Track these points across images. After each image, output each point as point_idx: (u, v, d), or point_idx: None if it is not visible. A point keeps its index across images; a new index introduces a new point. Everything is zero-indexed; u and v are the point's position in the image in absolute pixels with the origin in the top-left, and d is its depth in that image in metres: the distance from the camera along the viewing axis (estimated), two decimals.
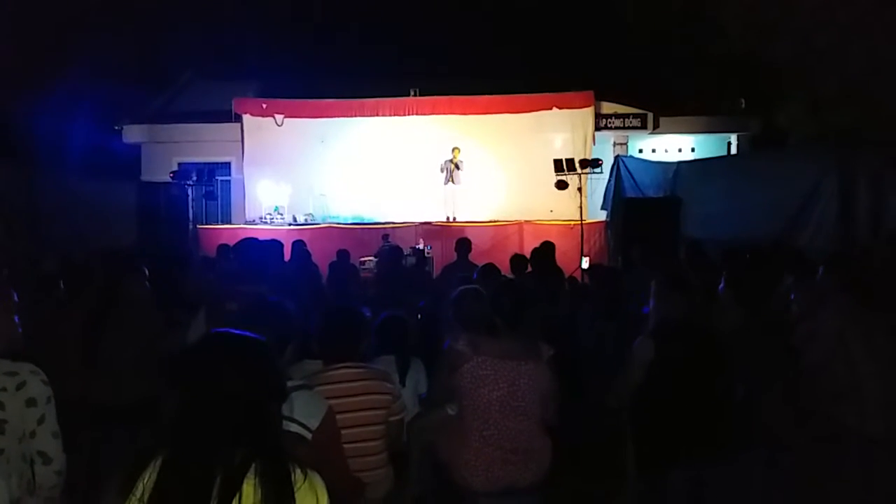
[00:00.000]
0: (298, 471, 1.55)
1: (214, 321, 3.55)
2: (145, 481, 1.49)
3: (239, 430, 1.53)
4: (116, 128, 16.11)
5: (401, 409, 2.92)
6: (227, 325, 2.34)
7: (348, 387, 2.73)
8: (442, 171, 14.01)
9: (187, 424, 1.53)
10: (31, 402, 2.22)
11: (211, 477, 1.47)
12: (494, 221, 13.97)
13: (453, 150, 14.05)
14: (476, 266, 7.25)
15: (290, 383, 2.21)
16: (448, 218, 13.93)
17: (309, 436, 2.10)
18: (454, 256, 7.76)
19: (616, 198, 13.27)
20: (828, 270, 4.03)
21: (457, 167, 13.94)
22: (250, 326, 2.22)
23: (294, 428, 2.07)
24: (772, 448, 3.57)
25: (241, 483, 1.48)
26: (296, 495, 1.51)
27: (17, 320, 2.37)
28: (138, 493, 1.48)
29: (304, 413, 2.13)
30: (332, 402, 2.37)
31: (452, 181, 13.98)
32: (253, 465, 1.50)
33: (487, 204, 14.95)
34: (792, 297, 4.01)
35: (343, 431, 2.37)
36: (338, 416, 2.33)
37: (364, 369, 2.81)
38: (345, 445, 2.41)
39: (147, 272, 4.49)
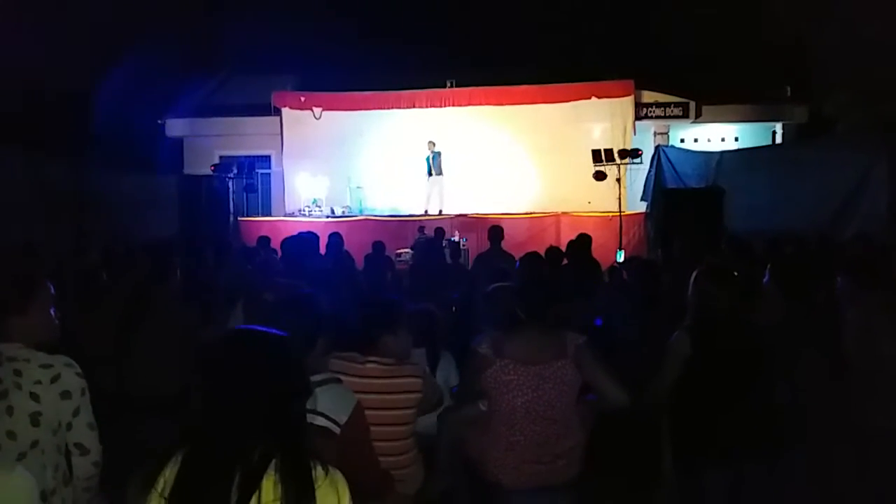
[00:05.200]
0: (320, 468, 1.53)
1: (252, 313, 3.58)
2: (166, 476, 1.50)
3: (260, 427, 1.52)
4: (159, 122, 16.43)
5: (432, 394, 2.89)
6: (261, 317, 2.36)
7: (378, 383, 2.72)
8: (428, 166, 14.06)
9: (209, 420, 1.53)
10: (65, 395, 2.24)
11: (231, 472, 1.47)
12: (531, 213, 13.87)
13: (429, 143, 14.11)
14: (509, 255, 7.22)
15: (319, 377, 2.21)
16: (426, 211, 13.97)
17: (337, 430, 2.10)
18: (488, 246, 7.72)
19: (656, 189, 13.05)
20: (857, 267, 3.90)
21: (435, 158, 14.01)
22: (282, 319, 2.25)
23: (322, 422, 2.07)
24: (813, 448, 3.46)
25: (261, 479, 1.47)
26: (316, 493, 1.49)
27: (52, 313, 2.40)
28: (159, 488, 1.49)
29: (332, 407, 2.13)
30: (362, 396, 2.36)
31: (435, 172, 14.00)
32: (273, 461, 1.49)
33: (524, 195, 14.86)
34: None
35: (372, 428, 2.35)
36: (367, 412, 2.31)
37: (394, 365, 2.79)
38: (375, 443, 2.40)
39: (186, 263, 4.56)
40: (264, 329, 1.67)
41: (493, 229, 7.94)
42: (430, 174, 14.13)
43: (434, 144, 14.14)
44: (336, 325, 3.14)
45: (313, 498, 1.49)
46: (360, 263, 8.25)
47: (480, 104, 15.53)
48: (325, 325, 2.36)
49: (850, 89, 12.87)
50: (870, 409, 3.40)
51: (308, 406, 2.02)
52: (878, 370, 3.37)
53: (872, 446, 3.40)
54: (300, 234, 5.37)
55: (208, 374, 1.57)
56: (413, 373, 2.83)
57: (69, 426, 2.27)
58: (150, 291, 3.83)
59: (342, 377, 2.52)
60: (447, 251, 10.51)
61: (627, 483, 3.75)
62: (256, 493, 1.46)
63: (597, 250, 8.83)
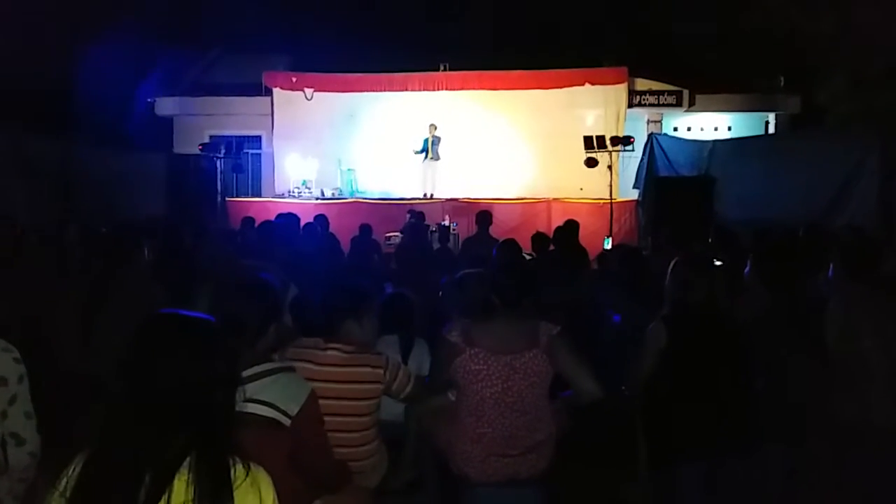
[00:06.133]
0: (240, 466, 1.42)
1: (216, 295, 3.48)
2: (70, 474, 1.39)
3: (176, 420, 1.41)
4: (149, 100, 16.23)
5: (396, 379, 2.78)
6: (212, 302, 2.27)
7: (337, 371, 2.62)
8: (423, 151, 13.87)
9: (119, 412, 1.42)
10: (1, 382, 2.12)
11: (140, 471, 1.35)
12: (522, 199, 13.77)
13: (431, 126, 13.92)
14: (496, 240, 7.15)
15: (270, 365, 2.12)
16: (425, 194, 13.85)
17: (287, 421, 2.00)
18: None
19: (648, 177, 12.98)
20: (840, 258, 3.83)
21: (434, 143, 13.85)
22: (231, 303, 2.16)
23: (269, 413, 1.98)
24: (790, 441, 3.39)
25: (172, 478, 1.36)
26: (235, 493, 1.38)
27: None
28: (61, 487, 1.38)
29: (282, 397, 2.02)
30: (320, 385, 2.27)
31: (431, 156, 13.87)
32: (188, 459, 1.38)
33: (516, 181, 14.75)
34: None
35: (328, 418, 2.25)
36: (322, 402, 2.21)
37: (355, 353, 2.69)
38: (331, 433, 2.31)
39: (161, 243, 4.46)
40: (187, 313, 1.55)
41: (481, 214, 7.89)
42: (426, 157, 13.97)
43: (435, 128, 13.96)
44: (303, 310, 3.05)
45: (230, 499, 1.37)
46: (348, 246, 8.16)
47: (473, 88, 15.36)
48: (278, 310, 2.25)
49: (842, 79, 12.77)
50: (848, 402, 3.35)
51: (255, 396, 1.95)
52: (856, 363, 3.31)
53: (850, 439, 3.35)
54: (279, 215, 5.27)
55: (122, 361, 1.46)
56: (373, 363, 2.71)
57: (4, 415, 2.13)
58: (115, 271, 3.73)
59: (302, 364, 2.44)
60: (436, 235, 10.44)
61: (600, 476, 3.69)
62: (166, 494, 1.35)
63: (588, 237, 8.79)
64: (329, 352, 2.67)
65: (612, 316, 4.66)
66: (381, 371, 2.71)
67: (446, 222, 12.23)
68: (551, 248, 6.68)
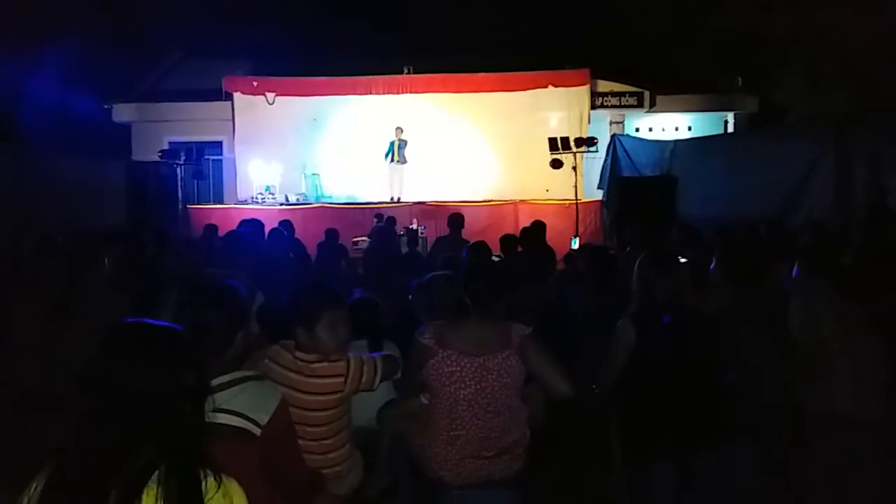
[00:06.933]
0: (212, 478, 1.37)
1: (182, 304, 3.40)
2: (31, 493, 1.33)
3: (142, 432, 1.35)
4: (106, 106, 15.88)
5: (361, 379, 2.69)
6: (177, 311, 2.21)
7: (297, 379, 2.56)
8: (388, 154, 13.85)
9: (83, 425, 1.36)
10: None
11: (105, 487, 1.30)
12: (489, 201, 13.82)
13: (397, 129, 13.91)
14: (468, 242, 7.15)
15: (239, 374, 2.07)
16: (392, 198, 13.83)
17: (258, 431, 1.96)
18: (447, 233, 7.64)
19: (612, 177, 13.16)
20: (802, 254, 3.91)
21: (401, 146, 13.84)
22: (198, 312, 2.11)
23: (239, 422, 1.93)
24: (760, 435, 3.45)
25: (139, 495, 1.31)
26: None
27: None
28: None
29: (252, 406, 1.97)
30: (285, 391, 2.22)
31: (397, 160, 13.87)
32: (157, 472, 1.33)
33: (482, 183, 14.79)
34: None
35: (297, 426, 2.20)
36: (292, 410, 2.17)
37: (315, 363, 2.61)
38: (301, 441, 2.26)
39: (123, 252, 4.35)
40: (153, 322, 1.50)
41: (454, 217, 7.88)
42: (391, 160, 13.90)
43: (402, 131, 13.91)
44: (270, 317, 3.00)
45: None
46: (314, 251, 8.08)
47: (438, 91, 15.36)
48: (244, 318, 2.20)
49: (799, 79, 13.09)
50: (813, 393, 3.41)
51: (224, 406, 1.90)
52: (819, 354, 3.37)
53: (816, 430, 3.41)
54: (243, 221, 5.19)
55: (86, 372, 1.40)
56: (335, 371, 2.64)
57: None
58: (76, 282, 3.63)
59: (269, 372, 2.38)
60: (404, 239, 10.41)
61: (575, 476, 3.70)
62: None
63: (555, 238, 8.84)
64: (292, 360, 2.61)
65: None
66: (342, 380, 2.64)
67: (414, 225, 12.21)
68: (519, 249, 6.70)
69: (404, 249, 9.30)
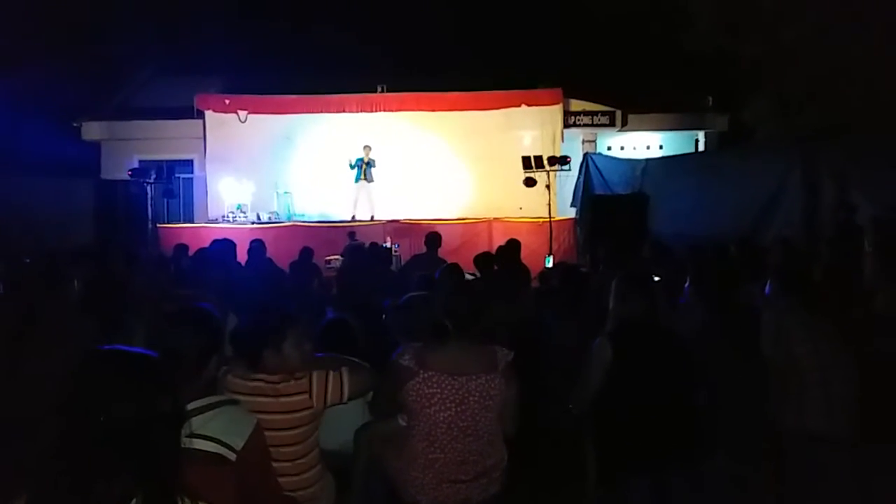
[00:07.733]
0: None
1: (154, 327, 3.34)
2: None
3: (117, 461, 1.32)
4: (75, 125, 15.65)
5: (327, 393, 2.65)
6: (150, 335, 2.17)
7: (264, 402, 2.52)
8: (353, 168, 13.81)
9: (56, 457, 1.32)
10: None
11: None
12: (463, 219, 13.84)
13: (365, 148, 13.90)
14: (444, 261, 7.14)
15: (213, 399, 2.03)
16: (353, 216, 13.80)
17: (233, 456, 1.92)
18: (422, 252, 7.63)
19: (585, 195, 13.27)
20: (773, 273, 3.98)
21: (369, 165, 13.84)
22: (172, 334, 2.07)
23: (213, 448, 1.89)
24: (733, 452, 3.47)
25: None
26: None
27: None
28: None
29: (227, 431, 1.94)
30: (258, 415, 2.18)
31: (365, 178, 13.86)
32: (133, 501, 1.30)
33: (456, 201, 14.83)
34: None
35: (272, 449, 2.16)
36: (265, 433, 2.13)
37: (279, 383, 2.58)
38: (276, 463, 2.22)
39: (91, 273, 4.26)
40: (127, 349, 1.47)
41: (431, 235, 7.86)
42: (357, 179, 13.87)
43: (370, 150, 13.90)
44: (239, 339, 2.94)
45: None
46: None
47: (412, 110, 15.41)
48: (219, 342, 2.17)
49: (768, 99, 13.38)
50: (785, 410, 3.45)
51: (199, 431, 1.86)
52: (791, 371, 3.41)
53: (788, 447, 3.44)
54: (215, 241, 5.12)
55: (60, 401, 1.37)
56: (299, 389, 2.60)
57: None
58: (42, 303, 3.54)
59: (237, 396, 2.34)
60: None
61: (551, 495, 3.68)
62: None
63: (529, 256, 8.85)
64: (254, 383, 2.57)
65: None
66: (307, 396, 2.60)
67: (388, 244, 12.17)
68: (495, 267, 6.70)
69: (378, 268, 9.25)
